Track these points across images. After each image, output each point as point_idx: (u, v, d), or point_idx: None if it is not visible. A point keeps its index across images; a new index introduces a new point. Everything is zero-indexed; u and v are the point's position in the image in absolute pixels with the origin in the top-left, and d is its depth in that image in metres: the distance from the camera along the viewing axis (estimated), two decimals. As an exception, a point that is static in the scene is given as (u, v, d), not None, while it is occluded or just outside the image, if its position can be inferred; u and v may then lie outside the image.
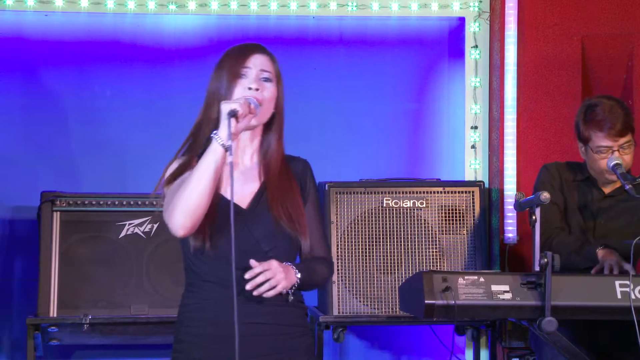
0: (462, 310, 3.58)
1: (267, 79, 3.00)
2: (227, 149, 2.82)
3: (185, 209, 2.85)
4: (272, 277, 2.88)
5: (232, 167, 2.80)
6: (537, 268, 3.67)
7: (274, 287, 2.88)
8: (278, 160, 3.06)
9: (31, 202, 4.86)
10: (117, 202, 4.71)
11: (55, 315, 4.60)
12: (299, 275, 2.96)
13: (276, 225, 2.99)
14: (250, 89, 2.96)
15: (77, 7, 5.03)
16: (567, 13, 5.18)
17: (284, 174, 3.07)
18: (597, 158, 4.11)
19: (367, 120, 5.37)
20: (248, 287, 2.87)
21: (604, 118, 4.07)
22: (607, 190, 4.22)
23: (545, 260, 3.54)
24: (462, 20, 5.28)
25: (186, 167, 2.98)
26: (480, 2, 5.23)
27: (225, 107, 2.84)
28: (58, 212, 4.70)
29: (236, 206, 2.94)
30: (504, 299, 3.59)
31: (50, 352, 5.03)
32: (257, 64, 3.00)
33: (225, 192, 2.99)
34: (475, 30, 5.24)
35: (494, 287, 3.61)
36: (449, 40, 5.37)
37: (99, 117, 5.21)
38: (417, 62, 5.38)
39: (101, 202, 4.73)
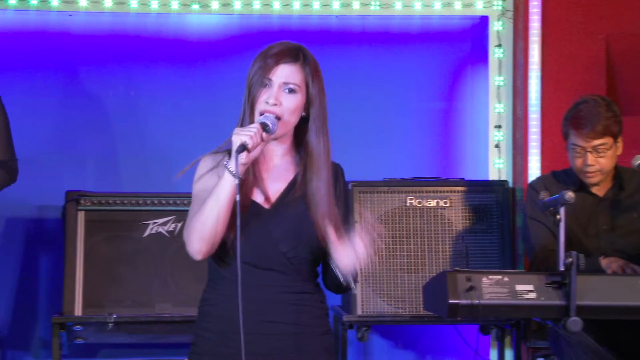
0: (486, 310, 3.57)
1: (291, 90, 2.97)
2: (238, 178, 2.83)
3: (200, 235, 2.89)
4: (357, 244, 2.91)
5: (238, 207, 2.80)
6: (561, 267, 3.65)
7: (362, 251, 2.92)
8: (322, 158, 3.03)
9: (56, 202, 4.89)
10: (141, 202, 4.72)
11: (80, 314, 4.62)
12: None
13: (300, 224, 2.97)
14: (268, 102, 2.94)
15: (100, 7, 5.06)
16: (591, 11, 5.17)
17: (329, 174, 3.05)
18: (572, 156, 4.11)
19: (390, 119, 5.37)
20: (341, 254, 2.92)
21: (582, 117, 4.05)
22: (600, 192, 4.19)
23: (570, 259, 3.53)
24: (485, 19, 5.28)
25: (216, 168, 3.00)
26: (504, 0, 5.24)
27: (236, 140, 2.84)
28: (83, 212, 4.73)
29: (258, 206, 2.96)
30: (528, 299, 3.58)
31: (75, 350, 5.07)
32: (281, 75, 2.97)
33: (250, 193, 2.99)
34: (499, 29, 5.25)
35: (519, 287, 3.59)
36: (472, 39, 5.37)
37: (123, 116, 5.24)
38: (441, 62, 5.38)
39: (125, 202, 4.74)
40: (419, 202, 4.82)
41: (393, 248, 4.79)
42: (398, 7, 5.21)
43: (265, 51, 3.02)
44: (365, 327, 4.75)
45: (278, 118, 2.93)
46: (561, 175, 4.26)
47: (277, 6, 5.15)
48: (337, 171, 3.12)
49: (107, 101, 5.24)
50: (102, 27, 5.19)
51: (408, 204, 4.82)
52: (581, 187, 4.15)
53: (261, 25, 5.25)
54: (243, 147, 2.82)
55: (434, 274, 4.39)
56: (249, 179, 2.97)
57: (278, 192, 3.02)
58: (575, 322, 3.52)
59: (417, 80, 5.38)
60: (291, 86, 2.97)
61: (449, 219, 4.82)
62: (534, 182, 4.35)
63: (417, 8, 5.21)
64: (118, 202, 4.76)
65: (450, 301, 3.55)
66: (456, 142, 5.40)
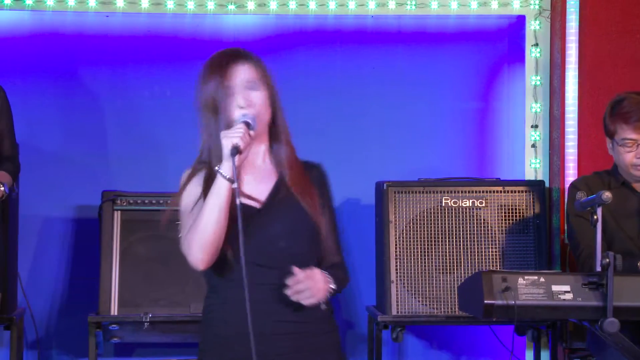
0: (522, 311, 3.56)
1: (252, 87, 2.98)
2: (232, 182, 2.84)
3: (201, 244, 2.90)
4: (314, 286, 2.88)
5: (239, 210, 2.81)
6: (598, 268, 3.63)
7: (312, 297, 2.88)
8: (290, 156, 3.05)
9: (93, 202, 4.93)
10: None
11: (116, 313, 4.64)
12: (333, 287, 2.97)
13: (296, 219, 2.98)
14: (241, 107, 2.94)
15: (137, 8, 5.07)
16: (629, 9, 5.15)
17: (302, 173, 3.06)
18: (622, 152, 4.08)
19: (426, 119, 5.37)
20: (289, 292, 2.87)
21: (630, 110, 4.04)
22: None
23: (607, 260, 3.51)
24: (522, 18, 5.26)
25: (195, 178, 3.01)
26: (541, 0, 5.22)
27: (227, 143, 2.85)
28: (119, 211, 4.76)
29: (250, 208, 2.96)
30: (564, 300, 3.57)
31: (111, 350, 5.11)
32: (239, 75, 2.98)
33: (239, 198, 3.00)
34: (536, 29, 5.22)
35: (555, 287, 3.59)
36: (509, 39, 5.36)
37: (159, 116, 5.26)
38: (477, 61, 5.38)
39: (161, 201, 4.76)
40: (455, 202, 4.81)
41: (428, 248, 4.78)
42: (434, 7, 5.21)
43: (209, 66, 3.01)
44: (400, 327, 4.75)
45: (255, 116, 2.95)
46: (603, 175, 4.25)
47: (312, 6, 5.16)
48: (320, 173, 3.13)
49: (144, 101, 5.27)
50: (139, 28, 5.21)
51: (443, 204, 4.81)
52: (623, 185, 4.16)
53: (297, 25, 5.27)
54: (236, 149, 2.84)
55: (469, 275, 4.48)
56: (240, 183, 2.97)
57: (266, 192, 3.03)
58: (612, 323, 3.50)
59: (453, 80, 5.38)
60: (251, 83, 2.97)
61: (484, 219, 4.81)
62: (576, 181, 4.35)
63: (453, 7, 5.21)
64: (154, 202, 4.78)
65: (486, 302, 3.54)
66: (492, 142, 5.40)
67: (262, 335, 2.88)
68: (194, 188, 3.00)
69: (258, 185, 3.03)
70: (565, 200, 4.76)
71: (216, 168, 2.88)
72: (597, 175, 4.28)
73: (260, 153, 3.06)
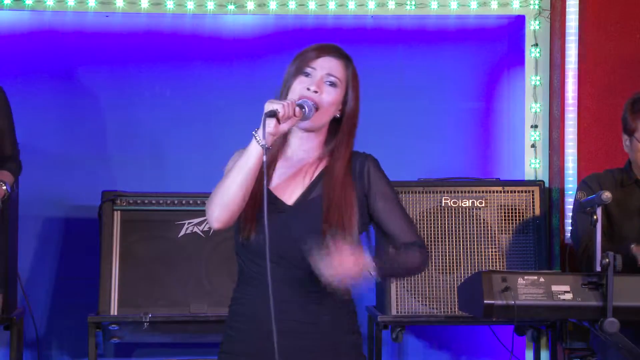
0: (522, 311, 3.59)
1: (332, 84, 2.97)
2: (264, 147, 2.81)
3: (220, 202, 2.87)
4: (338, 260, 2.80)
5: (265, 171, 2.81)
6: (598, 268, 3.66)
7: (331, 269, 2.81)
8: (342, 164, 3.02)
9: (92, 202, 4.90)
10: (176, 202, 4.74)
11: (115, 313, 4.63)
12: (370, 271, 2.88)
13: (319, 224, 2.94)
14: (309, 89, 2.94)
15: (137, 8, 5.07)
16: (629, 10, 5.16)
17: (346, 176, 3.03)
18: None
19: (425, 119, 5.36)
20: (312, 260, 2.83)
21: None
22: None
23: (607, 260, 3.53)
24: (521, 18, 5.26)
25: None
26: (541, 0, 5.22)
27: (267, 106, 2.83)
28: (119, 211, 4.75)
29: (280, 202, 2.96)
30: (564, 299, 3.59)
31: (111, 350, 5.10)
32: (324, 66, 2.97)
33: (273, 185, 2.99)
34: (536, 29, 5.23)
35: (555, 287, 3.61)
36: (509, 39, 5.36)
37: (159, 116, 5.25)
38: (476, 61, 5.38)
39: (161, 202, 4.76)
40: (454, 202, 4.82)
41: (428, 248, 4.76)
42: (434, 7, 5.21)
43: (308, 47, 3.03)
44: (399, 327, 4.76)
45: (316, 107, 2.93)
46: (616, 172, 4.28)
47: (312, 6, 5.16)
48: (363, 161, 3.08)
49: (145, 101, 5.26)
50: (138, 27, 5.20)
51: (443, 204, 4.81)
52: (636, 182, 4.19)
53: (296, 25, 5.25)
54: (273, 113, 2.81)
55: (469, 275, 4.48)
56: (274, 169, 2.98)
57: (302, 189, 3.00)
58: (611, 323, 3.53)
59: (452, 81, 5.37)
60: (333, 79, 2.97)
61: (484, 219, 4.81)
62: (586, 178, 4.37)
63: (453, 7, 5.21)
64: (154, 202, 4.77)
65: (486, 301, 3.56)
66: (492, 141, 5.40)
67: (283, 334, 2.85)
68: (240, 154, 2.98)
69: (292, 182, 3.01)
70: (565, 199, 4.79)
71: (253, 132, 2.85)
72: (608, 172, 4.30)
73: (308, 147, 3.04)
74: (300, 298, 2.94)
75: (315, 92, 2.94)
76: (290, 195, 2.99)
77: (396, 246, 3.05)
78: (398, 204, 3.10)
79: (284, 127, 2.86)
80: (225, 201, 2.87)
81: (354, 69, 3.05)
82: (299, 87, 2.95)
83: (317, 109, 2.94)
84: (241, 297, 3.03)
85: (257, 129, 2.83)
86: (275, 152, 2.99)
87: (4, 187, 4.14)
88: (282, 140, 3.01)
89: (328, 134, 3.05)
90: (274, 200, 2.94)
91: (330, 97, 2.96)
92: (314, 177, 3.02)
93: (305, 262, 2.89)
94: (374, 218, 3.05)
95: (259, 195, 2.88)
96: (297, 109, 2.87)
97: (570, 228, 4.97)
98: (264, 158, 2.81)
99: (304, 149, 3.04)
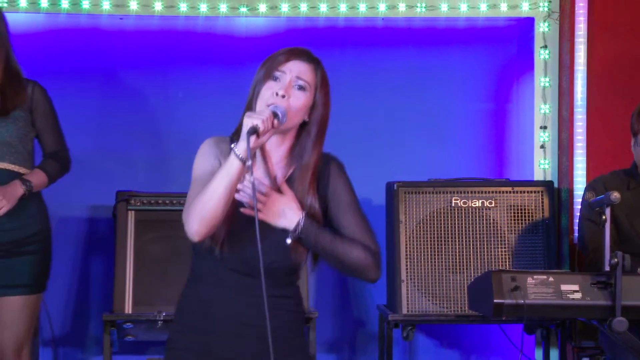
0: (531, 310, 3.61)
1: (301, 87, 2.93)
2: (244, 162, 2.79)
3: (200, 216, 2.82)
4: (269, 203, 2.88)
5: (254, 187, 2.78)
6: (607, 268, 3.67)
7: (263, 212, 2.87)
8: (310, 169, 2.99)
9: (107, 202, 4.93)
10: (189, 202, 4.76)
11: (130, 312, 4.66)
12: (302, 221, 2.90)
13: (284, 236, 2.92)
14: (277, 94, 2.90)
15: (150, 11, 5.07)
16: (637, 11, 5.17)
17: (312, 184, 3.00)
18: None
19: (436, 120, 5.35)
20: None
21: None
22: None
23: (616, 260, 3.55)
24: (531, 20, 5.24)
25: (218, 151, 2.99)
26: (550, 2, 5.19)
27: (247, 122, 2.80)
28: (133, 211, 4.77)
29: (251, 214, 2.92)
30: (573, 299, 3.62)
31: (125, 347, 5.09)
32: (293, 70, 2.93)
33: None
34: (545, 31, 5.19)
35: (564, 287, 3.63)
36: (518, 41, 5.33)
37: (172, 118, 5.26)
38: (486, 63, 5.36)
39: (174, 202, 4.78)
40: (464, 203, 4.82)
41: (438, 248, 4.78)
42: (444, 9, 5.19)
43: (277, 51, 2.99)
44: (410, 326, 4.74)
45: (286, 112, 2.89)
46: (622, 174, 4.29)
47: (323, 8, 5.14)
48: (326, 164, 3.04)
49: (159, 102, 5.27)
50: (151, 29, 5.20)
51: (453, 204, 4.81)
52: None
53: (308, 27, 5.24)
54: (254, 130, 2.77)
55: (479, 274, 4.44)
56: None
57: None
58: (620, 322, 3.55)
59: (462, 82, 5.35)
60: (302, 83, 2.93)
61: (494, 219, 4.81)
62: (593, 181, 4.37)
63: (463, 10, 5.18)
64: (167, 202, 4.80)
65: (495, 301, 3.60)
66: (502, 142, 5.38)
67: (235, 336, 2.91)
68: (213, 159, 2.96)
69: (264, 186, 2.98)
70: (574, 200, 4.81)
71: (232, 145, 2.82)
72: (615, 174, 4.30)
73: (276, 156, 3.01)
74: (255, 303, 2.90)
75: (283, 96, 2.90)
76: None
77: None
78: (356, 210, 3.04)
79: (263, 139, 2.84)
80: (204, 215, 2.83)
81: (324, 72, 3.00)
82: (268, 93, 2.91)
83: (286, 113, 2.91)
84: (194, 294, 3.01)
85: (236, 143, 2.81)
86: (254, 147, 2.91)
87: (22, 188, 4.12)
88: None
89: (296, 139, 3.01)
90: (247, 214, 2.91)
91: (299, 102, 2.93)
92: (282, 184, 2.98)
93: (267, 272, 2.85)
94: (328, 222, 3.02)
95: (232, 207, 2.86)
96: (275, 121, 2.84)
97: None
98: (252, 179, 2.78)
99: (274, 157, 3.01)
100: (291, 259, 2.97)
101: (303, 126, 3.00)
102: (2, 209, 4.05)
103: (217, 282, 2.96)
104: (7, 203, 4.06)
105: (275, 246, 2.93)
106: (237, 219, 2.90)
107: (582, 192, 4.61)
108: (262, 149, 2.97)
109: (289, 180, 2.99)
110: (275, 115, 2.84)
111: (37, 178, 4.18)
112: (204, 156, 2.98)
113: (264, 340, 2.80)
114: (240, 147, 2.78)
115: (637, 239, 4.16)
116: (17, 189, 4.10)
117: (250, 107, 2.96)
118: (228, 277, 2.93)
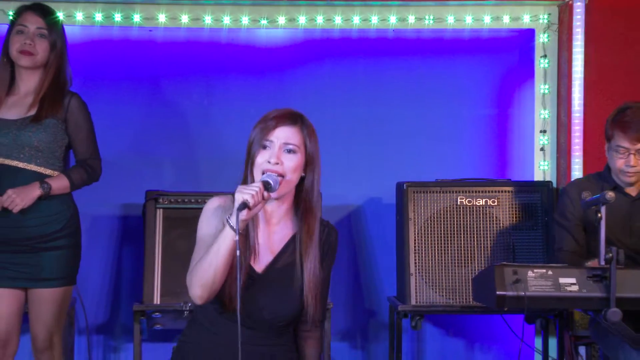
0: (532, 301, 3.64)
1: (290, 151, 3.02)
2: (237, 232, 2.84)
3: (201, 283, 2.92)
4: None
5: (238, 262, 2.82)
6: (602, 262, 3.73)
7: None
8: (312, 225, 3.06)
9: (137, 200, 5.04)
10: (214, 200, 4.86)
11: (158, 302, 4.73)
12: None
13: (284, 294, 3.04)
14: (269, 162, 2.99)
15: (178, 23, 5.11)
16: (632, 23, 5.24)
17: (315, 241, 3.08)
18: (614, 157, 4.12)
19: (443, 124, 5.39)
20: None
21: (629, 120, 4.07)
22: (633, 193, 4.21)
23: (610, 255, 3.62)
24: (531, 31, 5.28)
25: (222, 211, 3.05)
26: (549, 14, 5.23)
27: (238, 198, 2.85)
28: (161, 209, 4.83)
29: (252, 270, 3.04)
30: (571, 291, 3.66)
31: (154, 335, 5.18)
32: (280, 137, 3.01)
33: (250, 256, 3.05)
34: (544, 41, 5.24)
35: (562, 280, 3.67)
36: (520, 51, 5.37)
37: (198, 123, 5.31)
38: (490, 71, 5.38)
39: (200, 200, 4.81)
40: (469, 201, 4.89)
41: (445, 243, 4.85)
42: (450, 21, 5.20)
43: (265, 116, 3.08)
44: (418, 316, 4.80)
45: (281, 176, 2.98)
46: (596, 178, 4.29)
47: (338, 21, 5.17)
48: (328, 235, 3.13)
49: (185, 109, 5.31)
50: (179, 40, 5.24)
51: (459, 203, 4.88)
52: (615, 188, 4.16)
53: (324, 38, 5.30)
54: (244, 205, 2.84)
55: (483, 268, 4.59)
56: (249, 241, 3.03)
57: (271, 258, 3.09)
58: (614, 313, 3.61)
59: (467, 89, 5.38)
60: (291, 146, 3.02)
61: (496, 217, 4.88)
62: (567, 185, 4.37)
63: (468, 22, 5.20)
64: (193, 200, 4.84)
65: (498, 293, 3.65)
66: (504, 145, 5.41)
67: None
68: (216, 221, 3.03)
69: (269, 248, 3.08)
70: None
71: (226, 217, 2.91)
72: (590, 178, 4.31)
73: (278, 214, 3.09)
74: (251, 350, 3.01)
75: (277, 163, 2.99)
76: (260, 264, 3.07)
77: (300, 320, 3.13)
78: (327, 285, 3.15)
79: (255, 211, 2.91)
80: (205, 282, 2.92)
81: (309, 126, 3.08)
82: (261, 161, 3.00)
83: (282, 177, 2.99)
84: (191, 334, 3.12)
85: (230, 215, 2.87)
86: (245, 220, 2.95)
87: (39, 189, 4.13)
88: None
89: (295, 196, 3.10)
90: (248, 269, 3.03)
91: (292, 163, 3.01)
92: (282, 245, 3.09)
93: (262, 325, 3.02)
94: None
95: (234, 270, 2.91)
96: (266, 193, 2.90)
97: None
98: (237, 253, 2.82)
99: (275, 216, 3.09)
100: (295, 315, 3.09)
101: (301, 181, 3.09)
102: (16, 206, 4.08)
103: (218, 331, 3.07)
104: (20, 202, 4.07)
105: (275, 303, 3.04)
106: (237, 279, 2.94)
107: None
108: (264, 210, 3.05)
109: (288, 244, 3.10)
110: (266, 186, 2.92)
111: (59, 182, 4.19)
112: (208, 219, 3.06)
113: None
114: (234, 220, 2.85)
115: (613, 240, 4.14)
116: (34, 190, 4.11)
117: (247, 165, 3.07)
118: (229, 329, 3.01)
